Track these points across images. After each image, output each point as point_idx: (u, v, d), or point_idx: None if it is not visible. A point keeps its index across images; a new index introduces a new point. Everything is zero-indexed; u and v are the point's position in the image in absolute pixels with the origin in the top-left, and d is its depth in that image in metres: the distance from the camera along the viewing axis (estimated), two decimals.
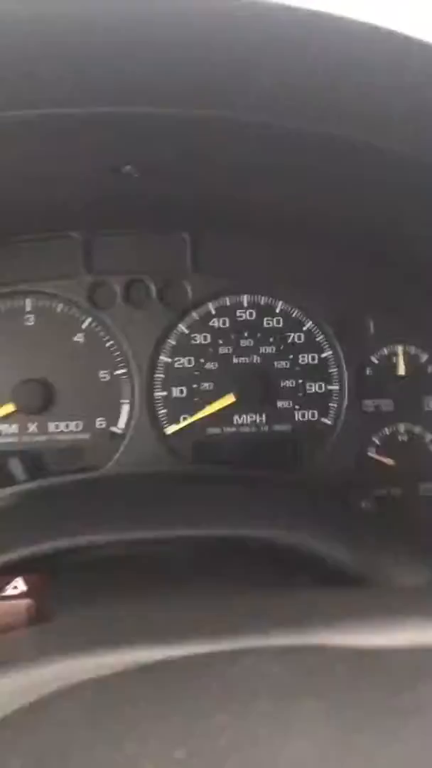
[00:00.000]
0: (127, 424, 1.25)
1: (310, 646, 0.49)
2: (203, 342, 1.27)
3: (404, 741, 0.32)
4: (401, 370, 1.31)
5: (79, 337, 1.24)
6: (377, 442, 1.30)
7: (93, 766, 0.40)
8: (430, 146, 0.77)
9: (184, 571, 0.89)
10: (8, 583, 0.68)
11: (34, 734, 0.46)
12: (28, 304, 1.23)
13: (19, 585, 0.67)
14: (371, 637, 0.55)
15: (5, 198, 0.97)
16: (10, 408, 1.22)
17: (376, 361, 1.30)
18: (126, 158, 0.82)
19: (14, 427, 1.23)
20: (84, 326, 1.24)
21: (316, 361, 1.29)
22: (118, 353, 1.25)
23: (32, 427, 1.24)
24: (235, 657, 0.48)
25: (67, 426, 1.24)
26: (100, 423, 1.25)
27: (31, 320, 1.23)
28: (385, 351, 1.30)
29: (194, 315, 1.27)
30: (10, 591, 0.66)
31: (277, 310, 1.28)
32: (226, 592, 0.79)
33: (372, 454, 1.30)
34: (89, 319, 1.24)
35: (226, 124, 0.75)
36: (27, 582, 0.66)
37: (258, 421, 1.28)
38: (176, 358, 1.26)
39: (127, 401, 1.25)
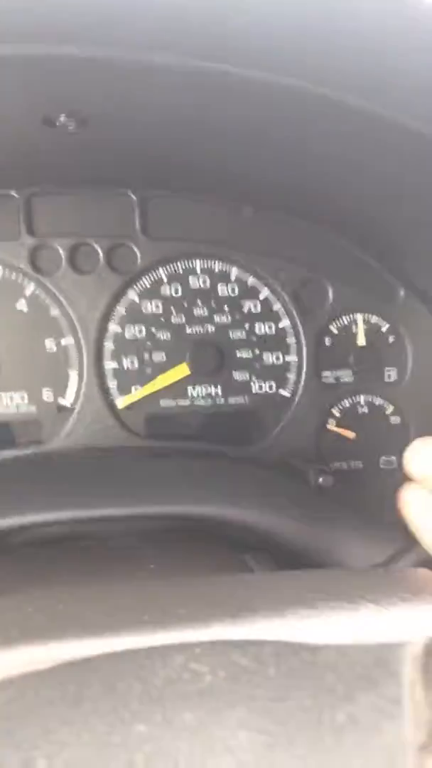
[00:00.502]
0: (76, 396, 1.19)
1: (245, 641, 0.45)
2: (154, 311, 1.21)
3: (337, 762, 0.28)
4: (361, 340, 1.27)
5: (21, 305, 1.17)
6: (337, 414, 1.27)
7: None
8: (391, 101, 0.71)
9: (126, 553, 0.85)
10: None
11: None
12: None
13: None
14: (310, 631, 0.51)
15: None
16: None
17: (335, 331, 1.26)
18: (59, 107, 0.75)
19: None
20: (27, 293, 1.17)
21: (273, 331, 1.24)
22: (64, 322, 1.18)
23: None
24: (164, 655, 0.44)
25: (11, 398, 1.18)
26: (47, 395, 1.19)
27: None
28: (345, 320, 1.26)
29: (144, 281, 1.20)
30: None
31: (232, 278, 1.22)
32: (169, 576, 0.75)
33: (331, 426, 1.27)
34: (32, 285, 1.17)
35: (168, 70, 0.68)
36: None
37: (213, 393, 1.23)
38: (126, 327, 1.20)
39: (76, 372, 1.19)
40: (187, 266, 1.21)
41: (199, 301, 1.21)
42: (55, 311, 1.18)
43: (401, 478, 1.29)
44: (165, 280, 1.21)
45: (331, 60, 0.66)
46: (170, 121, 0.82)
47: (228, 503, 0.90)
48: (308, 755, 0.29)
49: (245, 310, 1.23)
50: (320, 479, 1.09)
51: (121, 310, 1.20)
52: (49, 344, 1.18)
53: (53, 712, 0.40)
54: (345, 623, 0.54)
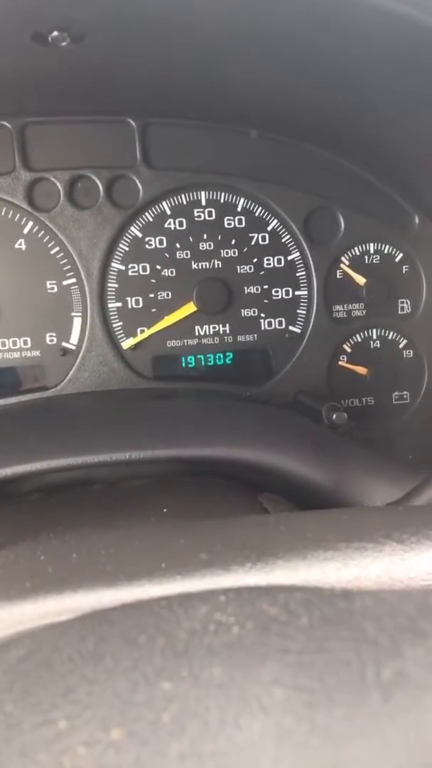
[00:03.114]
0: (80, 338, 1.15)
1: (272, 588, 0.43)
2: (159, 246, 1.16)
3: (384, 724, 0.26)
4: (374, 272, 1.22)
5: (20, 244, 1.12)
6: (348, 350, 1.23)
7: (18, 747, 0.33)
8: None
9: (138, 497, 0.82)
10: None
11: None
12: None
13: None
14: (335, 573, 0.48)
15: None
16: None
17: (347, 263, 1.21)
18: (50, 21, 0.68)
19: None
20: (25, 231, 1.12)
21: (282, 265, 1.19)
22: (65, 261, 1.13)
23: None
24: (186, 605, 0.41)
25: (14, 343, 1.14)
26: (50, 338, 1.15)
27: None
28: (357, 251, 1.21)
29: (147, 215, 1.15)
30: None
31: (239, 209, 1.17)
32: (182, 520, 0.72)
33: (343, 362, 1.23)
34: (30, 223, 1.11)
35: None
36: None
37: (221, 331, 1.19)
38: (130, 265, 1.15)
39: (79, 314, 1.15)
40: (192, 198, 1.15)
41: (204, 235, 1.16)
42: (54, 250, 1.12)
43: (414, 413, 1.27)
44: (169, 213, 1.15)
45: None
46: (171, 37, 0.75)
47: (240, 444, 0.88)
48: (353, 715, 0.27)
49: (253, 243, 1.18)
50: (333, 416, 1.06)
51: (123, 246, 1.14)
52: (51, 285, 1.13)
53: (72, 668, 0.38)
54: (371, 565, 0.52)
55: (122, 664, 0.37)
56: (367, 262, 1.21)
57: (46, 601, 0.51)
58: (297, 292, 1.20)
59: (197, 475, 0.89)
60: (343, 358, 1.23)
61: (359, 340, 1.23)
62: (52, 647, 0.41)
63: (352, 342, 1.23)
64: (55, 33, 0.69)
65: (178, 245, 1.16)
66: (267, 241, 1.18)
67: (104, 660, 0.38)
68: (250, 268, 1.18)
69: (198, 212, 1.16)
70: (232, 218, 1.17)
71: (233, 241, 1.17)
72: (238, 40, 0.78)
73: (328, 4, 0.65)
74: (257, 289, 1.19)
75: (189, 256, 1.16)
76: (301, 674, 0.30)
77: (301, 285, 1.20)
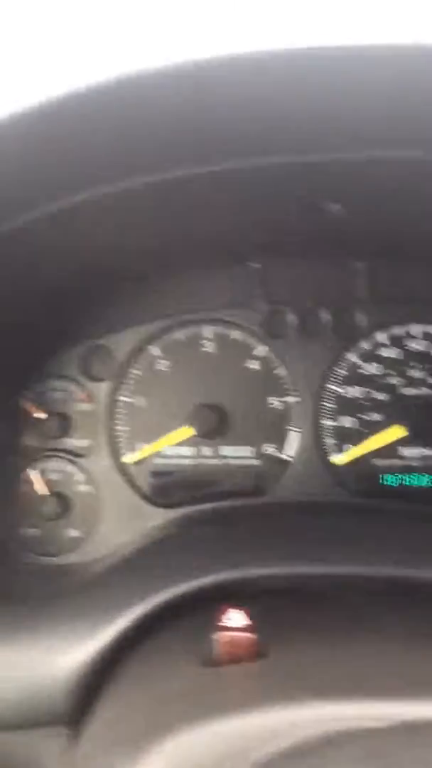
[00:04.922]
0: (295, 451, 1.26)
1: None
2: (373, 372, 1.26)
3: None
4: None
5: (252, 364, 1.27)
6: None
7: None
8: None
9: (379, 610, 0.88)
10: (224, 613, 0.70)
11: None
12: (207, 331, 1.28)
13: (236, 618, 0.69)
14: None
15: (204, 236, 1.02)
16: (189, 432, 1.26)
17: None
18: (328, 196, 0.83)
19: (190, 450, 1.28)
20: (256, 353, 1.27)
21: None
22: (289, 381, 1.26)
23: (206, 451, 1.27)
24: None
25: (237, 451, 1.27)
26: (269, 449, 1.27)
27: (208, 347, 1.27)
28: None
29: (365, 344, 1.26)
30: (230, 623, 0.68)
31: None
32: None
33: None
34: (264, 347, 1.27)
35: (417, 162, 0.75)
36: (248, 616, 0.67)
37: (429, 455, 1.25)
38: (346, 388, 1.26)
39: (296, 429, 1.26)
40: (406, 330, 1.25)
41: (416, 364, 1.25)
42: (281, 371, 1.26)
43: None
44: (385, 343, 1.26)
45: None
46: (412, 204, 0.87)
47: None
48: None
49: None
50: None
51: (341, 371, 1.26)
52: (272, 401, 1.26)
53: None
54: None
55: None
56: None
57: (338, 706, 0.57)
58: None
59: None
60: None
61: None
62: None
63: None
64: (338, 206, 0.84)
65: (391, 372, 1.25)
66: None
67: None
68: None
69: (411, 343, 1.25)
70: None
71: None
72: None
73: None
74: None
75: (401, 382, 1.25)
76: None
77: None
